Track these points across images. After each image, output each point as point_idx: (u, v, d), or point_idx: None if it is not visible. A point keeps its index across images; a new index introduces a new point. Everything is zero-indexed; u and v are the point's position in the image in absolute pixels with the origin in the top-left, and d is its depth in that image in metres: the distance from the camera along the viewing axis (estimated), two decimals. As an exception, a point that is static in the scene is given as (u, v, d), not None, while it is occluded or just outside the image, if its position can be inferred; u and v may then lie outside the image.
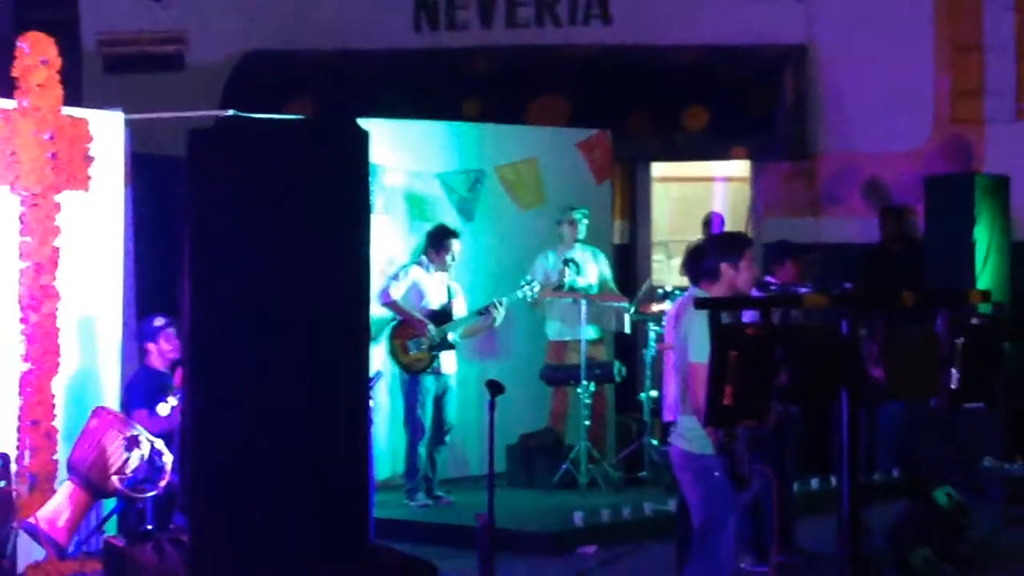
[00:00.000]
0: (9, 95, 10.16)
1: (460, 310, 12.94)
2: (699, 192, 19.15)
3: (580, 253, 13.48)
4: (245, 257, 5.59)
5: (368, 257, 5.98)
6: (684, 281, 10.39)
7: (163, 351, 10.35)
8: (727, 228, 15.70)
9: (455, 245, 12.81)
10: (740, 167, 18.24)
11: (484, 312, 12.96)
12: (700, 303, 7.25)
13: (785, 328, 6.59)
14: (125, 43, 19.02)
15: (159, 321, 10.37)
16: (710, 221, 16.81)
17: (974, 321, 6.87)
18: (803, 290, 9.80)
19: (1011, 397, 13.18)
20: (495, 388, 6.59)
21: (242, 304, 5.58)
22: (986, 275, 13.68)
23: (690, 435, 8.67)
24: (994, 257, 13.83)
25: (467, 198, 13.90)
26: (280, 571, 5.56)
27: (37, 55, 10.25)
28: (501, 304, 12.94)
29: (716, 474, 8.65)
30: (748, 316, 6.58)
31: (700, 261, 8.90)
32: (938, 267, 13.74)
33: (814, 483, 12.43)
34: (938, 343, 6.69)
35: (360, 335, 5.96)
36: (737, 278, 8.59)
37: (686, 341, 8.56)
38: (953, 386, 6.75)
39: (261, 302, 5.58)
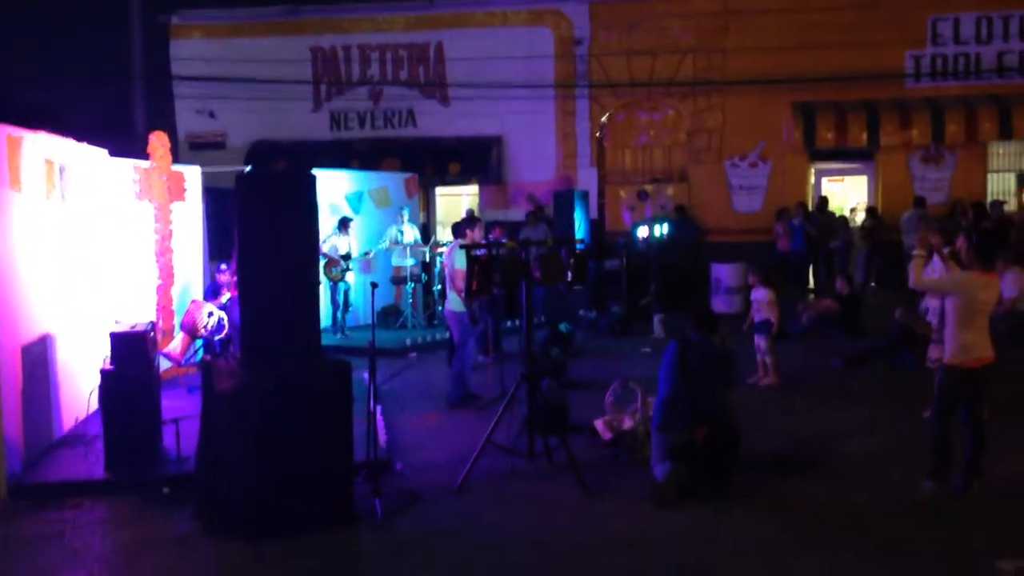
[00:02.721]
0: (147, 158, 9.76)
1: (355, 252, 12.69)
2: (457, 200, 19.16)
3: (407, 226, 13.27)
4: (262, 233, 5.48)
5: (317, 232, 5.90)
6: (450, 237, 10.41)
7: (225, 278, 10.02)
8: (471, 215, 15.70)
9: (350, 224, 12.67)
10: (474, 189, 18.25)
11: (367, 253, 12.89)
12: (463, 246, 7.35)
13: (498, 256, 6.69)
14: (198, 136, 18.16)
15: (223, 266, 10.02)
16: (465, 213, 16.85)
17: (577, 251, 7.08)
18: (504, 240, 9.90)
19: (592, 283, 13.63)
20: (374, 286, 6.57)
21: (262, 253, 5.49)
22: (579, 232, 13.87)
23: (454, 301, 8.81)
24: (582, 224, 14.04)
25: (356, 205, 13.63)
26: (280, 360, 5.50)
27: (159, 142, 9.83)
28: (373, 252, 12.84)
29: (465, 320, 8.81)
30: (481, 252, 6.65)
31: (458, 228, 9.02)
32: (560, 228, 13.54)
33: (509, 323, 12.57)
34: (562, 260, 6.90)
35: (312, 265, 5.88)
36: (473, 235, 8.72)
37: (453, 261, 8.69)
38: (569, 279, 6.96)
39: (270, 252, 5.48)
